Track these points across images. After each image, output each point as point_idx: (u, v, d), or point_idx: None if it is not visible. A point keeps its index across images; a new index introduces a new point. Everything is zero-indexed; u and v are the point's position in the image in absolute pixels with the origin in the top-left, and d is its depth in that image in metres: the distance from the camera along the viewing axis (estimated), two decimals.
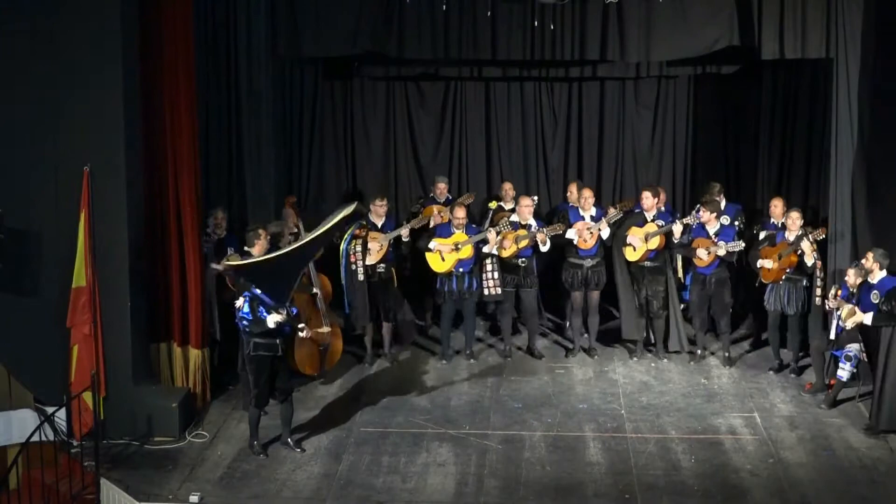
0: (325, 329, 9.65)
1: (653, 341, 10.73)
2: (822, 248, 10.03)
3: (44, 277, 8.73)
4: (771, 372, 10.27)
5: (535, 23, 10.09)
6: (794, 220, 10.01)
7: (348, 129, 12.47)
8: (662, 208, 10.85)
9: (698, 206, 10.51)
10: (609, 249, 10.59)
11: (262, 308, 8.23)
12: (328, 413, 9.40)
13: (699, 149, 12.44)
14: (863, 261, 9.21)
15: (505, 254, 10.46)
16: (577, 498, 7.88)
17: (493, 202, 11.46)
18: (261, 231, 9.35)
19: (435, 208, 11.11)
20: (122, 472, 8.28)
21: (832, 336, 9.41)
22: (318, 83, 12.28)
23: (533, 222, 10.51)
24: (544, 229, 10.37)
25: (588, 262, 10.52)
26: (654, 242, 10.28)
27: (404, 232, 10.47)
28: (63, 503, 7.87)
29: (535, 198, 11.24)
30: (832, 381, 9.56)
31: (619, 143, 12.47)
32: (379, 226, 10.44)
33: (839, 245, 10.08)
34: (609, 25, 10.20)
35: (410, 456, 8.56)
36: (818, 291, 9.86)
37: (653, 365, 10.55)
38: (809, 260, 9.81)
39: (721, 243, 10.07)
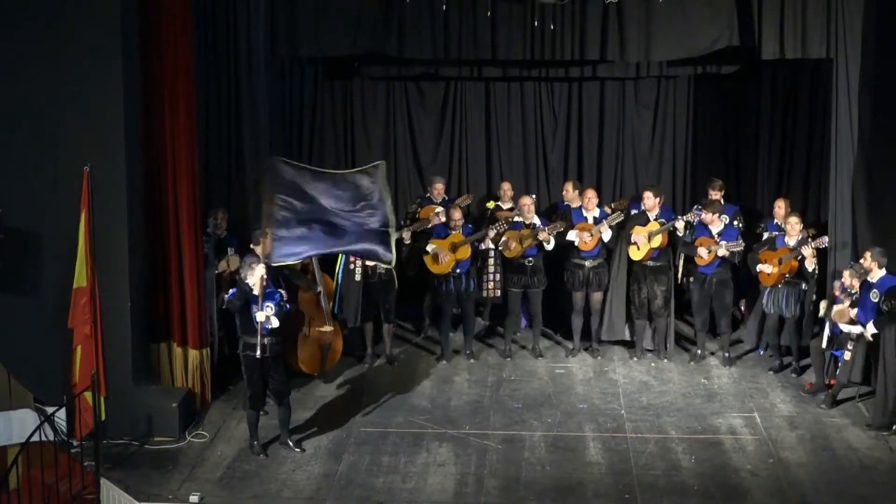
0: (329, 328, 9.66)
1: (649, 343, 10.74)
2: (821, 249, 10.01)
3: (44, 277, 8.73)
4: (771, 372, 10.27)
5: (535, 23, 10.10)
6: (793, 224, 10.01)
7: (348, 129, 12.46)
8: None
9: (697, 205, 10.51)
10: (612, 251, 10.59)
11: (252, 305, 8.25)
12: (328, 413, 9.40)
13: (699, 149, 12.42)
14: (861, 260, 9.21)
15: (510, 254, 10.46)
16: (577, 498, 7.88)
17: (491, 202, 11.46)
18: (267, 231, 9.38)
19: (434, 209, 11.11)
20: (122, 472, 8.28)
21: (825, 338, 9.42)
22: (318, 83, 12.27)
23: (537, 221, 10.52)
24: (546, 228, 10.38)
25: (589, 263, 10.52)
26: (657, 241, 10.28)
27: (405, 235, 10.46)
28: (63, 503, 7.86)
29: (534, 196, 11.25)
30: (832, 381, 9.56)
31: (619, 143, 12.45)
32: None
33: (839, 246, 10.07)
34: (609, 25, 10.21)
35: (410, 456, 8.56)
36: (822, 303, 9.85)
37: (653, 365, 10.55)
38: (810, 265, 9.82)
39: (722, 243, 10.07)
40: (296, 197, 8.42)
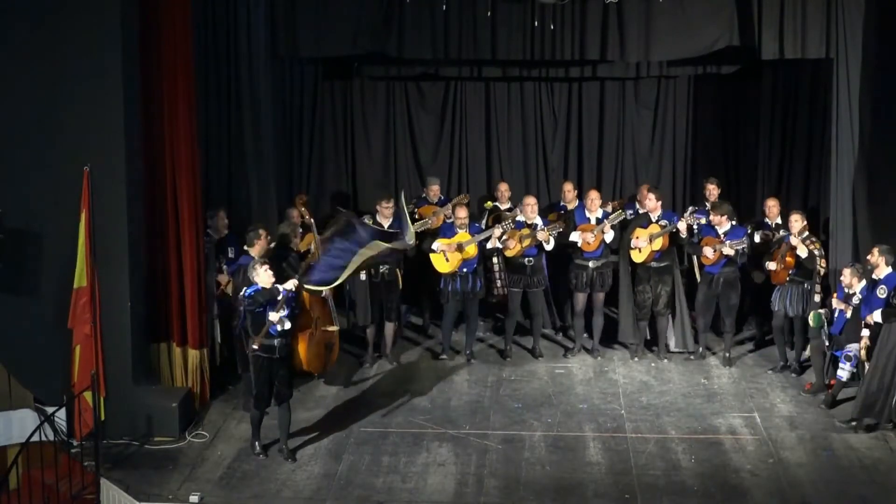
0: (335, 328, 9.67)
1: (651, 340, 10.74)
2: (824, 248, 10.02)
3: (44, 277, 8.73)
4: (771, 372, 10.27)
5: (535, 23, 10.10)
6: (793, 221, 10.00)
7: (348, 129, 12.46)
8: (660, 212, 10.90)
9: (693, 207, 10.51)
10: (615, 252, 10.59)
11: (267, 306, 8.27)
12: (328, 413, 9.40)
13: (699, 149, 12.43)
14: (868, 257, 9.22)
15: (510, 253, 10.47)
16: (577, 498, 7.88)
17: (489, 202, 11.46)
18: (261, 231, 9.40)
19: (433, 209, 11.11)
20: (122, 472, 8.28)
21: (824, 338, 9.43)
22: (318, 83, 12.27)
23: (539, 221, 10.52)
24: (546, 228, 10.38)
25: (593, 264, 10.52)
26: (659, 243, 10.27)
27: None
28: (63, 503, 7.86)
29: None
30: (832, 381, 9.56)
31: (619, 143, 12.46)
32: (385, 227, 10.44)
33: (840, 245, 10.08)
34: (609, 25, 10.21)
35: (410, 456, 8.56)
36: (818, 288, 9.85)
37: (653, 365, 10.55)
38: (803, 252, 9.75)
39: (727, 242, 10.07)
40: (348, 248, 8.58)
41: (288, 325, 8.39)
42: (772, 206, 10.58)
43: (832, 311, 9.43)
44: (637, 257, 10.40)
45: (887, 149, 9.74)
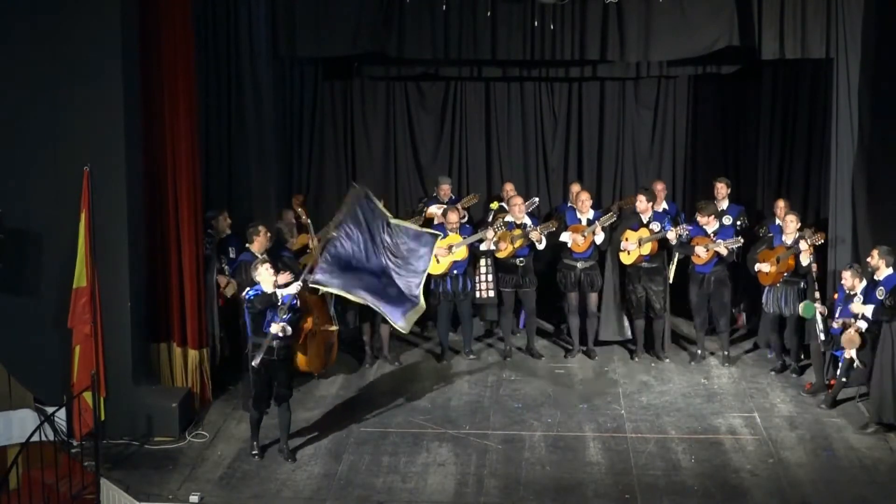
0: (334, 327, 9.67)
1: (649, 342, 10.75)
2: (821, 249, 10.02)
3: (44, 277, 8.73)
4: (772, 372, 10.27)
5: (535, 23, 10.10)
6: (789, 223, 10.00)
7: (348, 129, 12.46)
8: (665, 205, 10.88)
9: (688, 225, 10.50)
10: (603, 253, 10.59)
11: (272, 313, 8.27)
12: (328, 413, 9.41)
13: (699, 149, 12.43)
14: (868, 258, 9.22)
15: (501, 255, 10.48)
16: (577, 498, 7.88)
17: (495, 203, 11.46)
18: (260, 228, 9.43)
19: (438, 209, 11.09)
20: (122, 472, 8.28)
21: (822, 338, 9.43)
22: (318, 83, 12.27)
23: (528, 221, 10.52)
24: (538, 227, 10.38)
25: (581, 265, 10.52)
26: (648, 248, 10.29)
27: None
28: (63, 503, 7.86)
29: (537, 199, 11.26)
30: (832, 381, 9.56)
31: (619, 143, 12.46)
32: None
33: (839, 245, 10.07)
34: (609, 25, 10.21)
35: (410, 456, 8.56)
36: (817, 294, 9.84)
37: (653, 365, 10.55)
38: (805, 260, 9.79)
39: (720, 241, 10.07)
40: (359, 231, 8.46)
41: (290, 331, 8.39)
42: (782, 207, 10.51)
43: (829, 325, 9.42)
44: (626, 259, 10.41)
45: (887, 149, 9.73)
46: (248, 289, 8.40)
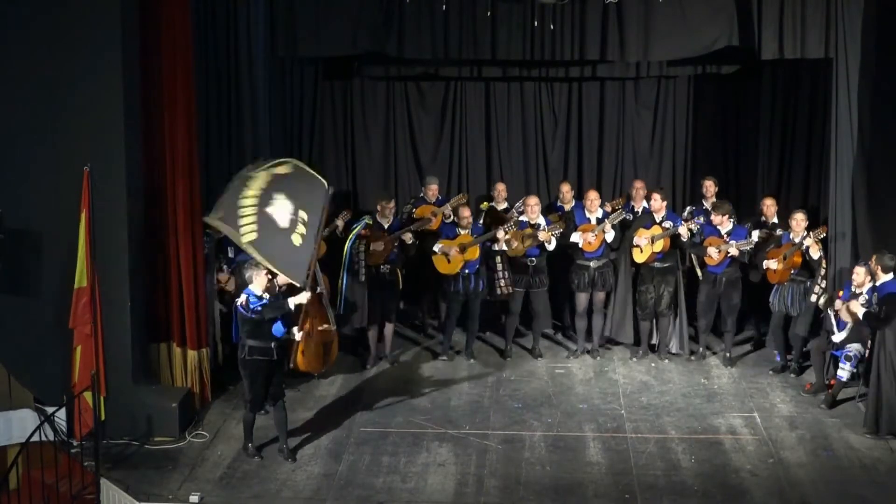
0: (332, 327, 9.66)
1: (654, 341, 10.73)
2: (824, 248, 10.02)
3: (44, 277, 8.73)
4: (771, 372, 10.27)
5: (535, 23, 10.09)
6: (798, 221, 10.00)
7: (348, 129, 12.46)
8: (645, 204, 10.89)
9: (691, 207, 10.49)
10: (616, 251, 10.59)
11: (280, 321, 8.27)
12: (328, 413, 9.41)
13: (699, 149, 12.43)
14: (869, 263, 9.22)
15: (512, 253, 10.47)
16: (577, 498, 7.89)
17: (485, 203, 11.46)
18: None
19: (431, 209, 11.10)
20: (122, 472, 8.29)
21: (836, 339, 9.40)
22: (318, 83, 12.27)
23: (542, 221, 10.52)
24: (547, 228, 10.38)
25: (594, 264, 10.52)
26: (660, 245, 10.27)
27: (407, 237, 10.44)
28: (63, 503, 7.87)
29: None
30: (832, 381, 9.56)
31: (619, 143, 12.46)
32: (385, 227, 10.45)
33: (840, 245, 10.07)
34: (609, 25, 10.21)
35: (410, 456, 8.56)
36: (817, 288, 9.85)
37: (653, 365, 10.55)
38: (816, 253, 9.79)
39: (732, 242, 10.07)
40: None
41: (298, 336, 8.43)
42: (769, 205, 10.59)
43: (836, 313, 9.41)
44: (638, 257, 10.40)
45: (887, 149, 9.72)
46: (245, 295, 8.34)
